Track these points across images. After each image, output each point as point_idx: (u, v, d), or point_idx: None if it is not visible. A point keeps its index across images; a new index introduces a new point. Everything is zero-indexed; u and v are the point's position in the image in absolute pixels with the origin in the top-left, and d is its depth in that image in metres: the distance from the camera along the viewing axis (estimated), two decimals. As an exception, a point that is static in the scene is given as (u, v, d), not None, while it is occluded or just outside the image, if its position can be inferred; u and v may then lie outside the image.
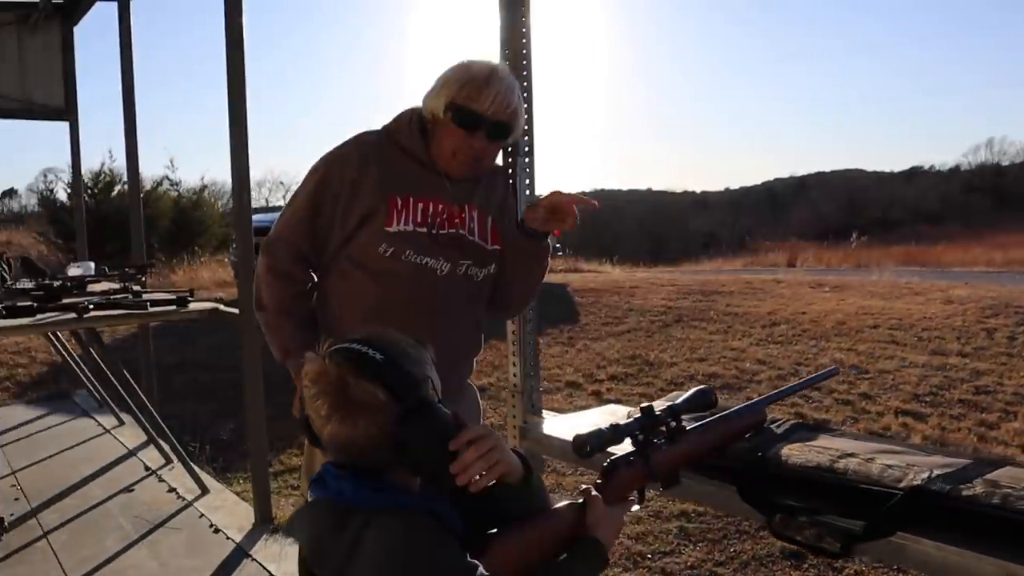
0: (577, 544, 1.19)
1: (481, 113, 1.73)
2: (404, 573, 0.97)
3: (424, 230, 1.79)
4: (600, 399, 5.87)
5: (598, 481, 1.28)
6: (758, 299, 9.63)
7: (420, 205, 1.80)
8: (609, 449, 1.30)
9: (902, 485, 1.24)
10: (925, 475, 1.25)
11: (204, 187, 18.58)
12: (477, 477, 1.11)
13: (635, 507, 1.30)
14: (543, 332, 7.94)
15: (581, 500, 1.24)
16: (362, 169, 1.79)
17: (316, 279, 1.90)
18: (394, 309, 1.77)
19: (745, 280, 11.41)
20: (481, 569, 1.02)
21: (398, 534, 0.99)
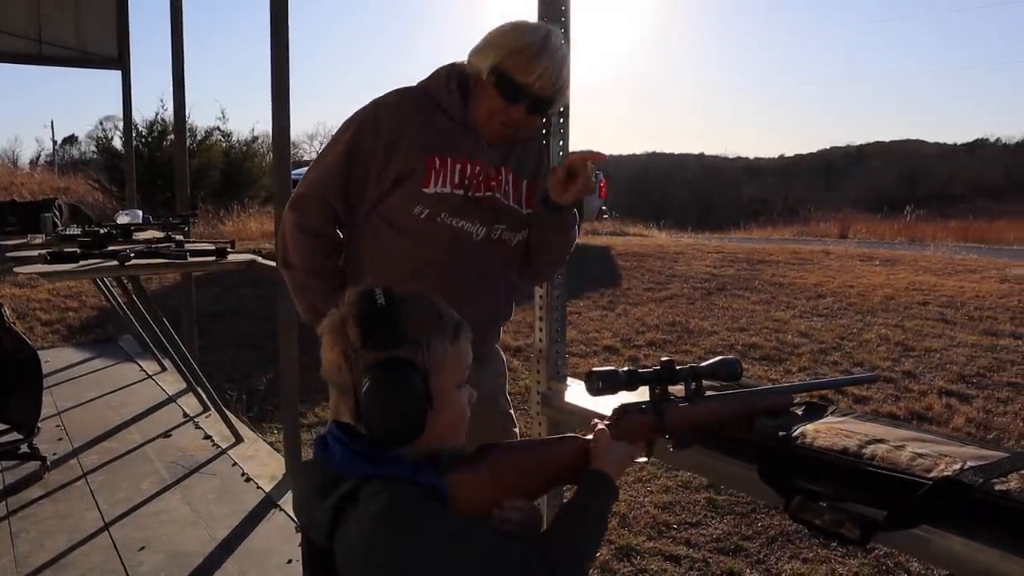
0: (585, 477, 1.16)
1: (526, 86, 1.66)
2: (388, 544, 0.95)
3: (460, 192, 1.74)
4: (636, 365, 5.80)
5: (607, 423, 1.25)
6: (805, 270, 9.44)
7: (458, 166, 1.74)
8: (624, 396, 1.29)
9: (932, 475, 1.17)
10: (957, 466, 1.19)
11: (255, 138, 18.58)
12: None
13: (642, 458, 1.27)
14: (583, 295, 7.88)
15: (588, 436, 1.22)
16: (400, 125, 1.73)
17: (343, 237, 1.87)
18: (428, 271, 1.72)
19: (793, 250, 11.19)
20: (474, 531, 1.00)
21: (383, 506, 0.96)
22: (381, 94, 1.79)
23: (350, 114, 1.80)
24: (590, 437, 1.22)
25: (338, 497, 1.00)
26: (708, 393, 1.37)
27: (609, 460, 1.18)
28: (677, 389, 1.35)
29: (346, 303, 1.07)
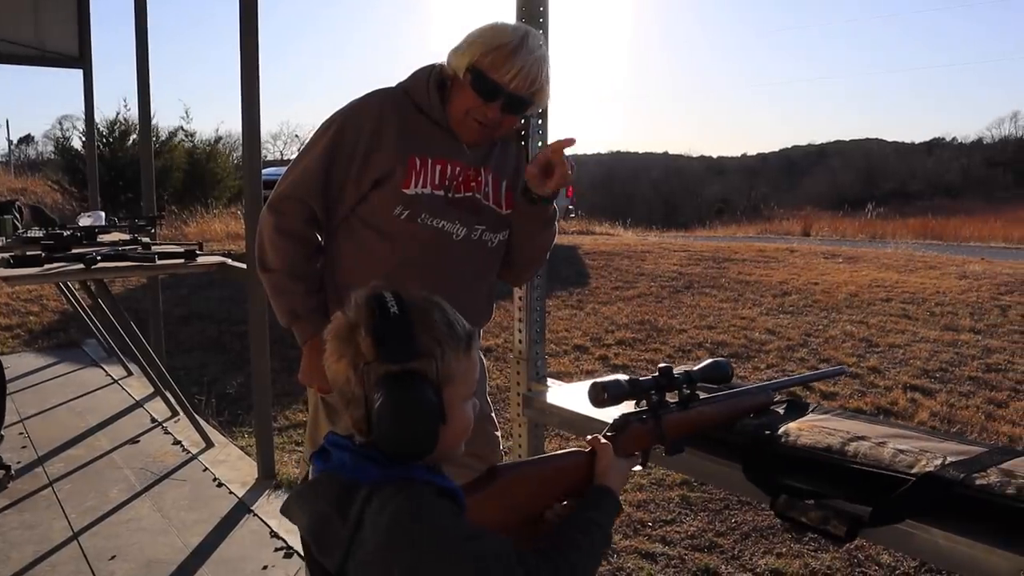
0: (590, 493, 1.16)
1: (501, 84, 1.66)
2: (407, 543, 0.93)
3: (440, 192, 1.74)
4: (607, 364, 5.85)
5: (608, 434, 1.24)
6: (770, 267, 9.56)
7: (438, 167, 1.74)
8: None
9: (914, 471, 1.20)
10: (938, 461, 1.21)
11: (219, 139, 18.28)
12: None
13: (637, 467, 1.28)
14: (552, 294, 7.90)
15: (588, 449, 1.21)
16: (380, 127, 1.72)
17: (322, 240, 1.85)
18: (408, 273, 1.69)
19: (758, 248, 11.31)
20: (487, 536, 0.99)
21: (401, 507, 0.95)
22: (360, 95, 1.78)
23: (321, 114, 1.80)
24: (589, 449, 1.22)
25: (359, 505, 0.96)
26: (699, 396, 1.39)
27: (613, 477, 1.18)
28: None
29: (355, 308, 1.02)
